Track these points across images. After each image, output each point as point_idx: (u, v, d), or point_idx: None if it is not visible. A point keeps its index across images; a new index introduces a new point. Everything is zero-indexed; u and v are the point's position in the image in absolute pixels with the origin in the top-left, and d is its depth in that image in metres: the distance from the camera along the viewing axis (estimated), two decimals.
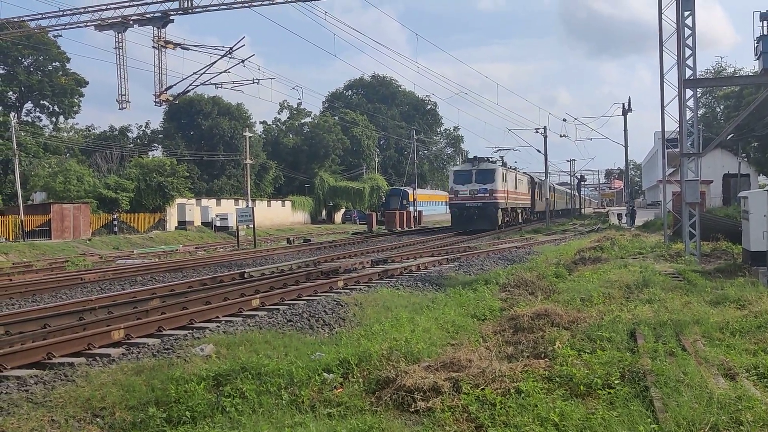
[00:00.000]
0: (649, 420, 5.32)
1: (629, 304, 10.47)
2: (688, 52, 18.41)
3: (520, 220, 47.74)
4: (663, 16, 19.36)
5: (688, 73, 18.40)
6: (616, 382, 6.27)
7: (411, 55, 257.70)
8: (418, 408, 6.03)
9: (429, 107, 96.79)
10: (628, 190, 51.68)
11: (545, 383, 6.40)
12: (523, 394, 6.04)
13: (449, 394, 6.18)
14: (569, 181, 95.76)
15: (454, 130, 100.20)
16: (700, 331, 8.41)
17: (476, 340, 8.58)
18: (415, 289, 13.90)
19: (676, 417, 5.28)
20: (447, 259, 20.41)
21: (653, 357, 7.00)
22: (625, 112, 44.89)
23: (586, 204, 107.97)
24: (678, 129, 19.05)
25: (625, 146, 46.56)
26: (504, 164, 44.96)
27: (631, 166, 71.62)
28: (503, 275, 14.38)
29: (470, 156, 48.19)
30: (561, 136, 54.50)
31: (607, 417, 5.42)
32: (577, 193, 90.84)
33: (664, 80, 19.56)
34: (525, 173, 52.22)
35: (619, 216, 45.28)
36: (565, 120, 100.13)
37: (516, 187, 45.71)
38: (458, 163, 78.83)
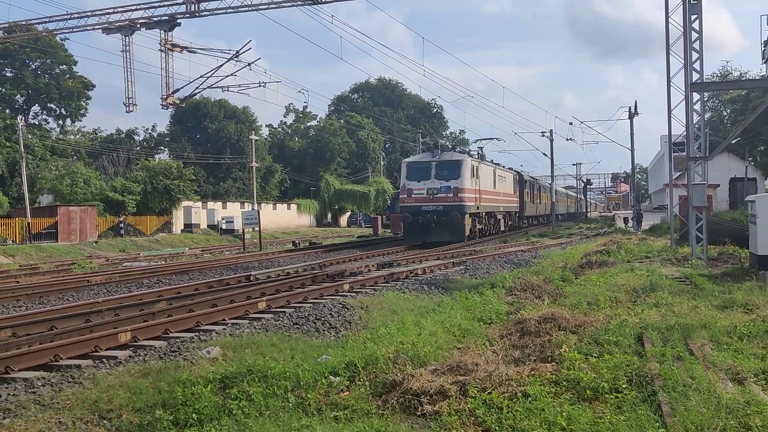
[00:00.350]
0: (657, 424, 5.29)
1: (636, 308, 10.42)
2: (695, 55, 18.34)
3: (502, 228, 38.38)
4: (670, 20, 19.33)
5: (695, 76, 18.33)
6: (624, 386, 6.24)
7: (417, 58, 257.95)
8: (425, 411, 6.00)
9: (435, 110, 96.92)
10: (634, 193, 51.46)
11: (552, 387, 6.37)
12: (530, 398, 6.01)
13: (456, 397, 6.16)
14: (575, 185, 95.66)
15: (460, 133, 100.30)
16: (707, 336, 8.38)
17: (483, 344, 8.56)
18: (421, 292, 13.88)
19: (684, 421, 5.25)
20: (453, 262, 20.37)
21: (661, 361, 6.97)
22: (631, 116, 44.80)
23: (592, 207, 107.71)
24: (685, 133, 18.99)
25: (632, 150, 46.27)
26: (481, 156, 37.11)
27: (638, 169, 71.28)
28: (509, 279, 14.34)
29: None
30: (567, 139, 54.61)
31: (614, 421, 5.40)
32: (583, 197, 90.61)
33: (671, 84, 19.51)
34: (510, 169, 42.94)
35: (626, 220, 45.12)
36: (571, 123, 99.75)
37: (495, 186, 35.77)
38: None
